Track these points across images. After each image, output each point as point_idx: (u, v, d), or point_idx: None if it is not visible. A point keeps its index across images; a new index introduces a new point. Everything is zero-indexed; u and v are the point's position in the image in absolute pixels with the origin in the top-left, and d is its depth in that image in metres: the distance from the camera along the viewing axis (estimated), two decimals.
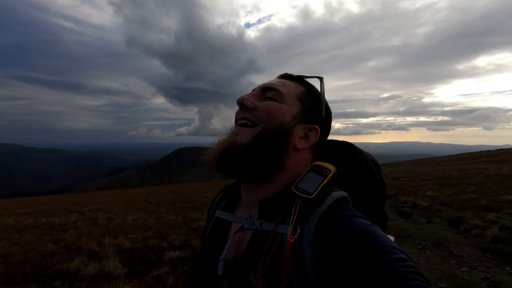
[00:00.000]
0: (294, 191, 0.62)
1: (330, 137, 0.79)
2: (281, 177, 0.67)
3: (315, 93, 0.73)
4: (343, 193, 0.62)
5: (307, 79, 0.75)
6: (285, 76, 0.75)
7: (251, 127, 0.67)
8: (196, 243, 5.26)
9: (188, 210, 9.84)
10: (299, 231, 0.57)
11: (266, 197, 0.66)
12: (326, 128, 0.74)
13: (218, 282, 0.65)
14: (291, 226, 0.58)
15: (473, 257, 4.11)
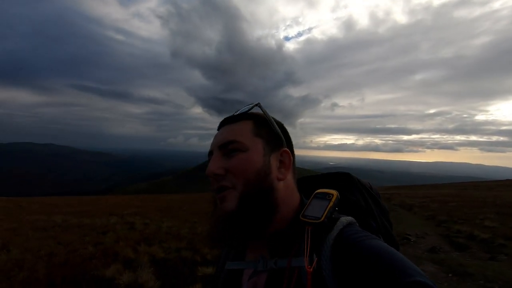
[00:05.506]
0: (302, 219, 0.61)
1: (331, 171, 0.82)
2: (280, 212, 0.64)
3: (263, 119, 0.70)
4: (350, 218, 0.63)
5: (249, 111, 0.71)
6: (227, 121, 0.71)
7: (232, 189, 0.63)
8: None
9: None
10: (316, 259, 0.57)
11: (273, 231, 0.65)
12: (289, 143, 0.72)
13: None
14: (306, 256, 0.57)
15: None
